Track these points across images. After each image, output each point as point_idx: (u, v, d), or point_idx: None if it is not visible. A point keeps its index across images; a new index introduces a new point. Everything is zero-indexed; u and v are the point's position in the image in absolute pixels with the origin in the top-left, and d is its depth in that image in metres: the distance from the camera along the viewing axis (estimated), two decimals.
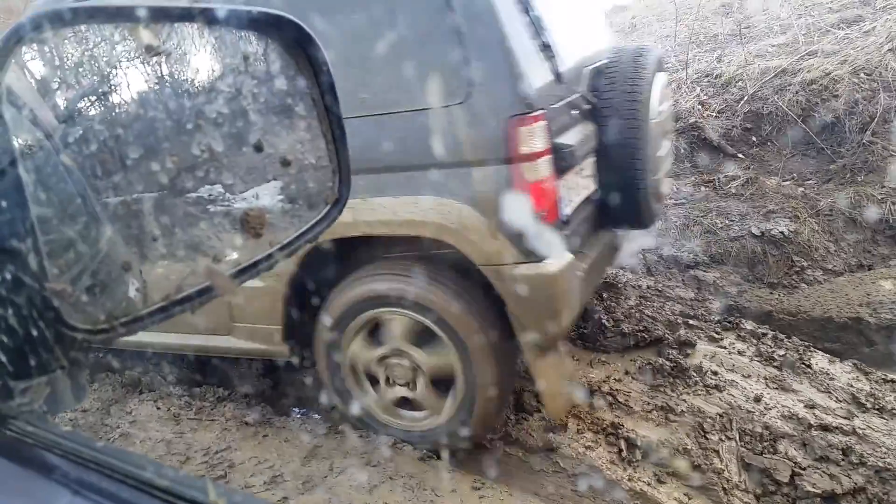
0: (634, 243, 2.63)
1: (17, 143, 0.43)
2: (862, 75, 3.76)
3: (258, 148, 0.57)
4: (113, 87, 0.52)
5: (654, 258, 3.31)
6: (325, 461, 1.93)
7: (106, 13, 0.48)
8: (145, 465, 0.46)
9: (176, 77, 0.56)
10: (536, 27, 1.73)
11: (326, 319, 1.94)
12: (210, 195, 0.55)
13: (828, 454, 1.91)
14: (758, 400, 2.17)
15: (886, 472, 1.84)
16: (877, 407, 2.14)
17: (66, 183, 0.47)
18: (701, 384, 2.24)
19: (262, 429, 2.16)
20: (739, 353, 2.47)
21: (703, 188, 3.78)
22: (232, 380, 2.55)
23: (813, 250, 3.23)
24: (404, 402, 2.01)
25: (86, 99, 0.52)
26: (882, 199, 3.34)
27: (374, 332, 1.96)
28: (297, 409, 2.38)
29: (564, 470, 1.92)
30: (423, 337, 1.87)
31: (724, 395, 2.19)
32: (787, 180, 3.73)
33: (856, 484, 1.81)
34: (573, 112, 1.85)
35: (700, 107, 4.16)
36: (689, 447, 1.94)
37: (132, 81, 0.52)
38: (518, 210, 1.62)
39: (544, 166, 1.62)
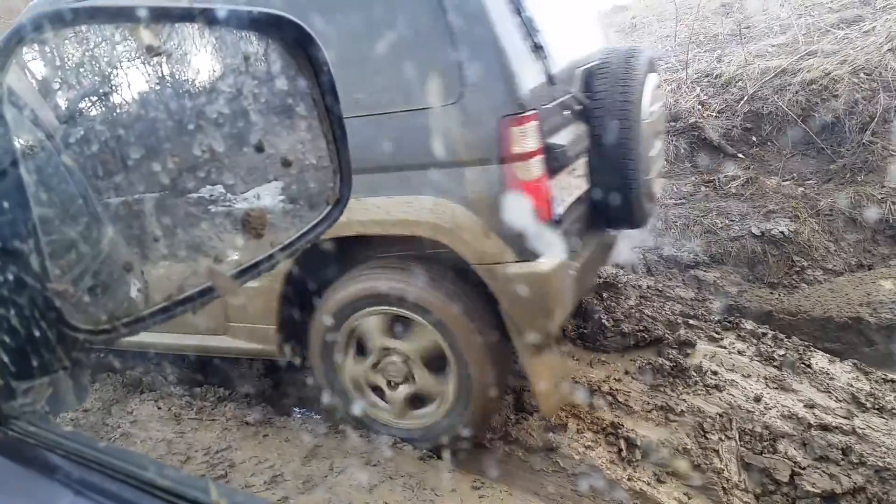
0: (628, 243, 2.64)
1: (18, 143, 0.43)
2: (862, 75, 3.76)
3: (259, 148, 0.57)
4: (114, 88, 0.52)
5: (654, 258, 3.31)
6: (325, 461, 1.94)
7: (107, 13, 0.48)
8: (147, 465, 0.46)
9: (177, 77, 0.56)
10: (528, 28, 1.74)
11: (321, 318, 1.95)
12: (211, 195, 0.55)
13: (827, 454, 1.91)
14: (758, 400, 2.17)
15: (886, 471, 1.85)
16: (877, 406, 2.14)
17: (68, 183, 0.47)
18: (701, 384, 2.24)
19: (262, 428, 2.16)
20: (739, 352, 2.47)
21: (703, 188, 3.78)
22: (233, 380, 2.56)
23: (813, 250, 3.23)
24: (412, 403, 2.01)
25: (87, 99, 0.52)
26: (882, 198, 3.34)
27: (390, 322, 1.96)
28: (297, 409, 2.38)
29: (564, 469, 1.93)
30: (430, 350, 1.88)
31: (724, 395, 2.19)
32: (787, 180, 3.73)
33: (855, 483, 1.82)
34: (565, 112, 1.87)
35: (700, 107, 4.16)
36: (688, 447, 1.94)
37: (133, 82, 0.53)
38: (510, 209, 1.64)
39: (536, 166, 1.64)
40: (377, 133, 1.68)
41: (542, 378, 1.87)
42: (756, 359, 2.43)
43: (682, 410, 2.09)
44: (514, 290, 1.68)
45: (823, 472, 1.86)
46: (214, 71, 0.60)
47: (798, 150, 3.82)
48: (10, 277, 0.41)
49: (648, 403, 2.14)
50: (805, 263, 3.19)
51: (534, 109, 1.63)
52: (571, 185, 1.90)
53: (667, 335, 2.48)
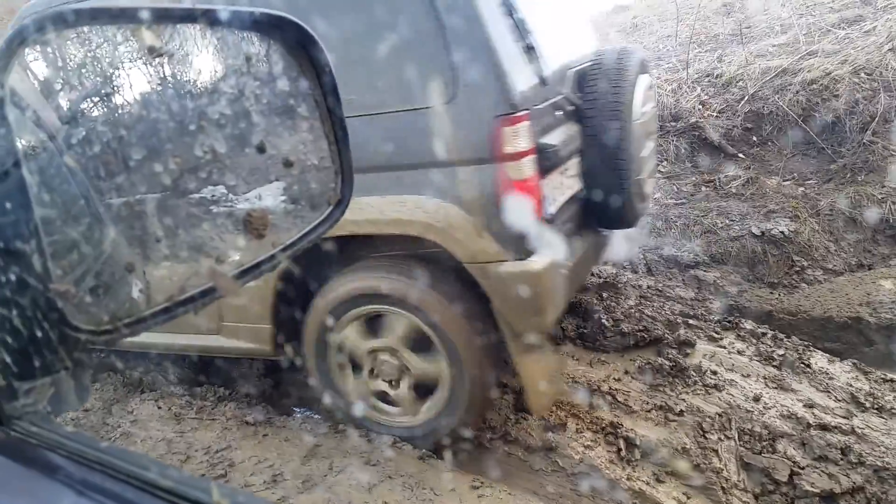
0: (621, 242, 2.65)
1: (20, 144, 0.43)
2: (862, 75, 3.76)
3: (261, 149, 0.57)
4: (116, 89, 0.52)
5: (654, 258, 3.31)
6: (324, 460, 1.94)
7: (109, 14, 0.48)
8: (149, 465, 0.46)
9: (178, 78, 0.56)
10: (520, 29, 1.76)
11: (315, 317, 1.96)
12: (213, 196, 0.55)
13: (826, 453, 1.91)
14: (757, 399, 2.17)
15: (885, 471, 1.85)
16: (876, 406, 2.14)
17: (70, 184, 0.47)
18: (700, 384, 2.24)
19: (262, 428, 2.16)
20: (739, 352, 2.48)
21: (703, 188, 3.78)
22: (233, 379, 2.56)
23: (813, 250, 3.24)
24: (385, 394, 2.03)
25: (89, 100, 0.52)
26: (882, 198, 3.34)
27: (368, 324, 1.99)
28: (298, 409, 2.38)
29: (563, 469, 1.93)
30: (412, 334, 1.90)
31: (724, 395, 2.19)
32: (787, 180, 3.73)
33: (854, 483, 1.82)
34: (557, 113, 1.88)
35: (701, 106, 4.16)
36: (688, 446, 1.95)
37: (135, 83, 0.53)
38: (502, 209, 1.65)
39: (528, 166, 1.65)
40: (370, 133, 1.69)
41: (534, 376, 1.90)
42: (755, 358, 2.44)
43: (681, 410, 2.09)
44: (505, 288, 1.70)
45: (822, 471, 1.87)
46: (216, 72, 0.60)
47: (798, 149, 3.83)
48: (13, 278, 0.41)
49: (648, 403, 2.14)
50: (805, 263, 3.19)
51: (526, 110, 1.64)
52: (563, 185, 1.92)
53: (666, 335, 2.48)
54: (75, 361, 0.45)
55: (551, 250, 1.72)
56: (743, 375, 2.33)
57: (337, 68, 0.56)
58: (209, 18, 0.52)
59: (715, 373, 2.31)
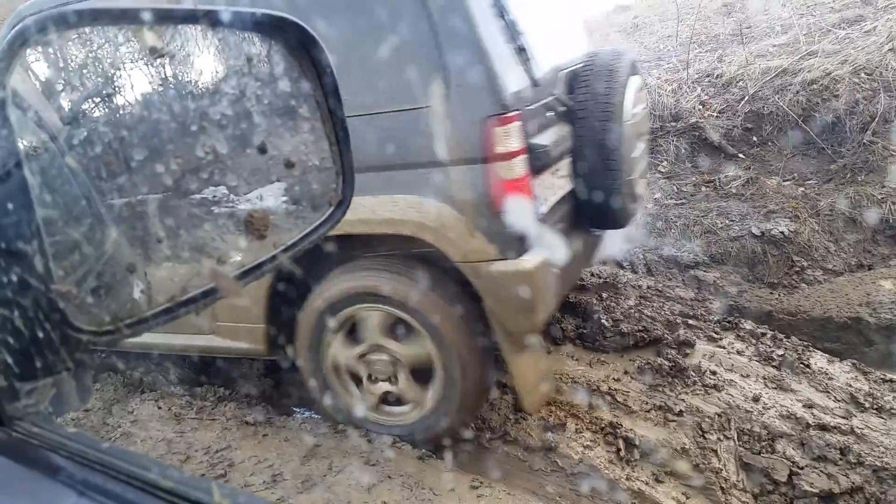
0: (613, 242, 2.66)
1: (22, 145, 0.43)
2: (863, 75, 3.76)
3: (262, 149, 0.57)
4: (117, 89, 0.52)
5: (654, 258, 3.31)
6: (324, 460, 1.94)
7: (110, 15, 0.48)
8: (150, 466, 0.46)
9: (180, 79, 0.56)
10: (512, 31, 1.78)
11: (309, 316, 1.97)
12: (214, 197, 0.55)
13: (826, 454, 1.92)
14: (756, 399, 2.18)
15: (884, 471, 1.85)
16: (875, 406, 2.14)
17: (71, 185, 0.47)
18: (700, 384, 2.24)
19: (262, 428, 2.16)
20: (738, 352, 2.48)
21: (703, 188, 3.78)
22: (233, 380, 2.56)
23: (813, 250, 3.24)
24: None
25: (90, 101, 0.52)
26: (882, 199, 3.34)
27: (353, 331, 2.00)
28: (298, 409, 2.38)
29: (563, 469, 1.93)
30: (402, 332, 1.92)
31: (723, 395, 2.20)
32: (787, 180, 3.73)
33: (853, 483, 1.82)
34: (549, 114, 1.90)
35: (701, 107, 4.16)
36: (687, 447, 1.95)
37: (136, 83, 0.53)
38: (494, 208, 1.67)
39: (519, 166, 1.67)
40: (363, 133, 1.70)
41: (525, 375, 1.92)
42: (755, 359, 2.44)
43: (680, 410, 2.09)
44: (497, 287, 1.72)
45: (821, 471, 1.87)
46: (217, 72, 0.60)
47: (799, 150, 3.83)
48: (14, 279, 0.41)
49: (647, 403, 2.14)
50: (805, 263, 3.19)
51: (517, 110, 1.66)
52: (555, 185, 1.93)
53: (666, 335, 2.48)
54: (77, 362, 0.45)
55: (542, 250, 1.74)
56: (742, 376, 2.33)
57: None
58: (210, 19, 0.52)
59: (714, 373, 2.31)
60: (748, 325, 2.69)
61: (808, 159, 3.79)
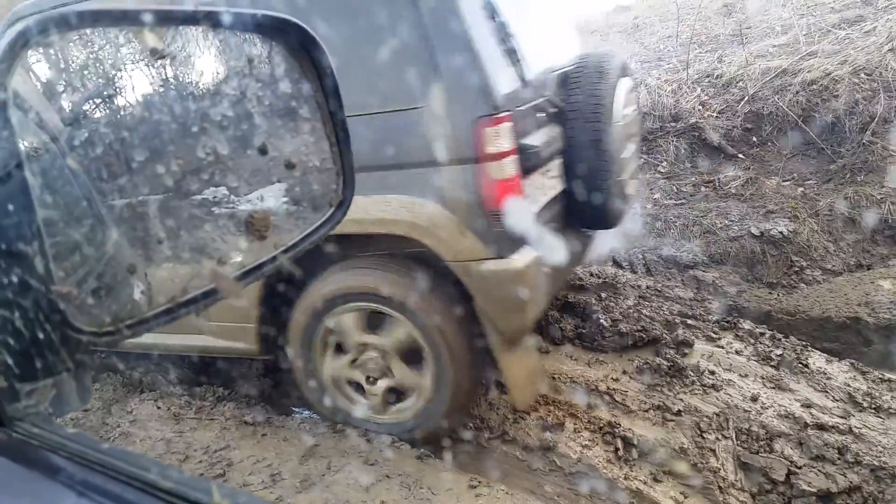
0: (605, 242, 2.67)
1: (23, 146, 0.43)
2: (862, 75, 3.76)
3: (263, 150, 0.57)
4: (118, 90, 0.52)
5: (653, 258, 3.32)
6: (322, 460, 1.94)
7: (111, 16, 0.48)
8: (150, 466, 0.46)
9: (180, 80, 0.56)
10: (502, 33, 1.80)
11: (301, 316, 1.99)
12: (215, 198, 0.55)
13: (824, 453, 1.92)
14: (755, 399, 2.18)
15: (882, 470, 1.86)
16: (873, 406, 2.15)
17: (72, 186, 0.47)
18: (698, 383, 2.25)
19: (261, 428, 2.16)
20: (737, 352, 2.48)
21: (703, 188, 3.79)
22: (232, 379, 2.56)
23: (812, 250, 3.24)
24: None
25: (91, 102, 0.52)
26: (881, 199, 3.35)
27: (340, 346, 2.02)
28: (296, 409, 2.38)
29: (561, 469, 1.93)
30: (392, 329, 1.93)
31: (721, 395, 2.20)
32: (786, 180, 3.74)
33: (851, 483, 1.83)
34: (539, 115, 1.92)
35: (701, 107, 4.16)
36: (685, 446, 1.95)
37: (137, 84, 0.53)
38: (485, 208, 1.68)
39: (510, 166, 1.68)
40: (355, 134, 1.70)
41: (516, 372, 1.93)
42: (753, 358, 2.44)
43: (679, 410, 2.10)
44: (488, 286, 1.74)
45: (819, 471, 1.88)
46: (218, 74, 0.60)
47: (798, 150, 3.83)
48: (15, 280, 0.41)
49: (646, 403, 2.15)
50: (804, 263, 3.20)
51: (507, 111, 1.68)
52: (545, 186, 1.95)
53: (665, 335, 2.49)
54: (77, 363, 0.45)
55: (533, 249, 1.76)
56: (741, 375, 2.33)
57: None
58: (211, 20, 0.52)
59: (713, 373, 2.32)
60: (747, 324, 2.69)
61: (807, 159, 3.79)
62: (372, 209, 1.75)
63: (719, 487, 1.85)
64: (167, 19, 0.50)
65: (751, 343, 2.54)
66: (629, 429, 2.03)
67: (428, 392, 1.93)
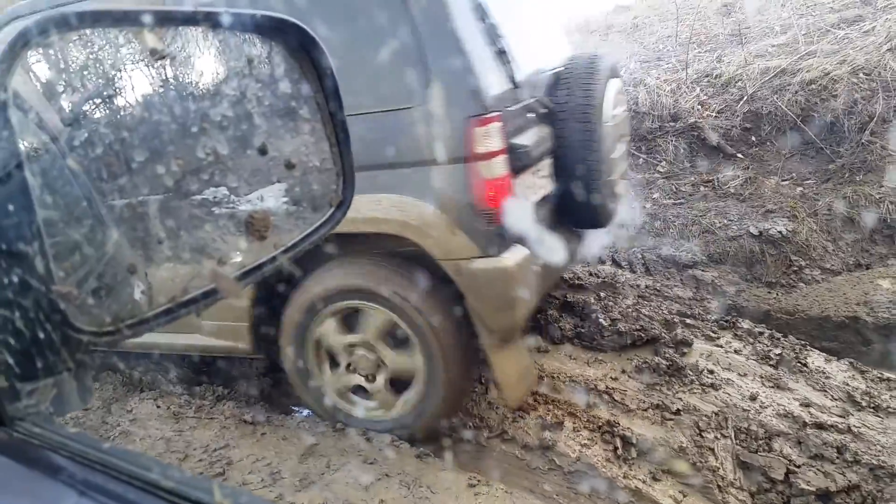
0: (597, 241, 2.67)
1: (23, 146, 0.43)
2: (861, 75, 3.76)
3: (263, 151, 0.57)
4: (118, 91, 0.52)
5: (652, 257, 3.32)
6: (322, 459, 1.94)
7: (111, 17, 0.48)
8: (151, 466, 0.46)
9: (180, 80, 0.56)
10: (492, 34, 1.81)
11: (292, 315, 2.00)
12: (215, 198, 0.55)
13: (822, 452, 1.93)
14: (753, 398, 2.19)
15: (880, 469, 1.86)
16: (872, 405, 2.16)
17: (72, 186, 0.47)
18: (697, 383, 2.25)
19: (260, 427, 2.16)
20: (736, 351, 2.49)
21: (702, 188, 3.79)
22: (232, 378, 2.56)
23: (811, 250, 3.25)
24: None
25: (91, 102, 0.52)
26: (880, 198, 3.35)
27: (345, 320, 2.02)
28: (296, 408, 2.38)
29: (560, 467, 1.94)
30: (391, 331, 1.94)
31: (720, 394, 2.20)
32: (785, 180, 3.74)
33: (850, 482, 1.83)
34: (529, 115, 1.94)
35: (700, 107, 4.16)
36: (684, 445, 1.96)
37: (137, 85, 0.53)
38: (475, 207, 1.70)
39: (500, 165, 1.70)
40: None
41: (506, 370, 1.95)
42: (752, 358, 2.45)
43: (678, 409, 2.10)
44: (478, 284, 1.75)
45: (818, 470, 1.88)
46: (218, 74, 0.60)
47: (797, 150, 3.83)
48: (15, 280, 0.41)
49: (645, 402, 2.15)
50: (803, 263, 3.20)
51: (497, 111, 1.70)
52: (536, 185, 1.97)
53: (664, 334, 2.49)
54: (77, 362, 0.45)
55: (523, 248, 1.77)
56: (740, 374, 2.34)
57: None
58: (211, 21, 0.52)
59: (712, 372, 2.32)
60: (746, 324, 2.70)
61: (806, 159, 3.80)
62: (364, 208, 1.76)
63: (718, 486, 1.85)
64: (167, 20, 0.51)
65: (750, 342, 2.55)
66: (628, 428, 2.03)
67: (423, 374, 1.94)
